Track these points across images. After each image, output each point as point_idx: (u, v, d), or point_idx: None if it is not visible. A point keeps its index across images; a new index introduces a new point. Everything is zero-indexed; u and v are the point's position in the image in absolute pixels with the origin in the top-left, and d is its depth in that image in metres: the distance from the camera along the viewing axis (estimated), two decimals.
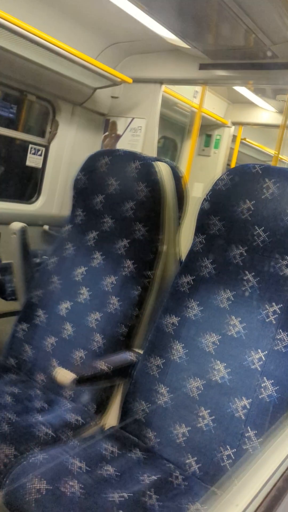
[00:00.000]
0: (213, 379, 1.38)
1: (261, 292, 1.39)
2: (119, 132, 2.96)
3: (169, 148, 3.99)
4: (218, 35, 2.39)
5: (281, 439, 0.83)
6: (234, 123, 3.88)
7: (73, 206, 1.94)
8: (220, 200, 1.51)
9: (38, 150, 2.78)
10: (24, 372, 1.78)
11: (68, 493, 1.16)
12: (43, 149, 2.81)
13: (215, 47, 2.52)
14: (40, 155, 2.80)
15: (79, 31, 2.47)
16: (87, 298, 1.76)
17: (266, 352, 1.32)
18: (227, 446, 1.30)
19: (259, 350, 1.33)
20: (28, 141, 2.74)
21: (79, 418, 1.53)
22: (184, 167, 3.33)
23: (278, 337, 1.32)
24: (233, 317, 1.41)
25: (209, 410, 1.36)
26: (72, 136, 2.89)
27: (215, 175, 3.95)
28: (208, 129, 3.86)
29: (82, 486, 1.19)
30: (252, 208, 1.43)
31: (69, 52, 2.27)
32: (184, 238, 1.86)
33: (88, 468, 1.27)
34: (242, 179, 1.47)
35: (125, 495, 1.19)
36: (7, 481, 1.22)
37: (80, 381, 1.38)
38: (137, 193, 1.73)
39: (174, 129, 3.84)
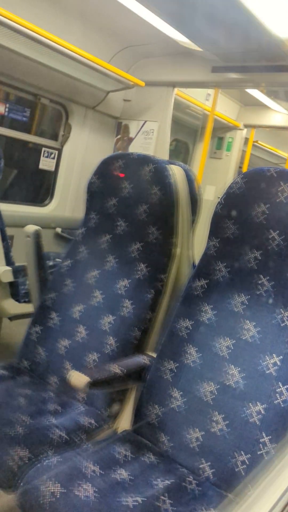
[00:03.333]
0: (227, 383, 1.37)
1: (276, 296, 1.38)
2: (132, 135, 2.97)
3: (181, 150, 3.99)
4: (230, 37, 2.38)
5: None
6: (246, 126, 3.87)
7: (86, 209, 1.95)
8: (234, 204, 1.50)
9: (51, 153, 2.80)
10: (38, 374, 1.79)
11: (82, 497, 1.16)
12: (56, 152, 2.83)
13: (227, 49, 2.52)
14: (53, 158, 2.82)
15: (92, 35, 2.49)
16: (101, 301, 1.76)
17: (282, 357, 1.30)
18: (242, 452, 1.29)
19: (274, 355, 1.32)
20: (41, 144, 2.77)
21: (92, 421, 1.53)
22: (196, 169, 3.32)
23: None
24: (248, 321, 1.40)
25: (223, 415, 1.35)
26: (85, 139, 2.91)
27: (227, 178, 3.95)
28: (220, 131, 3.86)
29: (96, 489, 1.19)
30: (267, 212, 1.42)
31: (82, 56, 2.29)
32: (197, 241, 1.86)
33: (101, 472, 1.27)
34: (256, 183, 1.46)
35: (139, 499, 1.19)
36: (21, 484, 1.22)
37: (94, 384, 1.38)
38: (150, 196, 1.73)
39: (186, 131, 3.84)
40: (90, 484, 1.20)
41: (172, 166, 1.77)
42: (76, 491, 1.17)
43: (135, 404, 1.56)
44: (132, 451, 1.39)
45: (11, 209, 2.61)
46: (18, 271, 2.18)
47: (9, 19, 1.92)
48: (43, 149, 2.76)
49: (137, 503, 1.17)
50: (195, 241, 1.87)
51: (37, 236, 2.01)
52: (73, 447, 1.39)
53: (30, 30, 2.01)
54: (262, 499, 0.64)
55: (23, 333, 1.89)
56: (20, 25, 1.96)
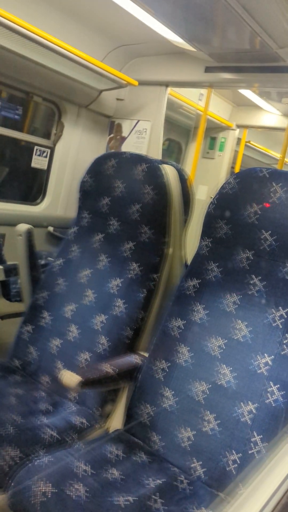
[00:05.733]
0: (218, 383, 1.38)
1: (267, 296, 1.39)
2: (124, 134, 2.96)
3: (173, 150, 3.99)
4: (224, 38, 2.39)
5: None
6: (238, 126, 3.88)
7: (79, 208, 1.94)
8: (227, 204, 1.50)
9: (44, 151, 2.78)
10: (29, 373, 1.78)
11: (74, 496, 1.16)
12: (48, 150, 2.82)
13: (221, 50, 2.52)
14: (46, 156, 2.80)
15: (86, 33, 2.47)
16: (93, 300, 1.76)
17: (273, 356, 1.31)
18: (233, 451, 1.29)
19: (266, 355, 1.33)
20: (34, 142, 2.75)
21: (84, 421, 1.53)
22: (188, 169, 3.33)
23: (285, 342, 1.31)
24: (239, 321, 1.41)
25: (215, 414, 1.35)
26: (77, 138, 2.89)
27: (220, 178, 3.95)
28: (213, 131, 3.86)
29: (88, 489, 1.19)
30: (259, 212, 1.42)
31: (75, 55, 2.27)
32: (190, 241, 1.86)
33: (93, 471, 1.26)
34: (249, 183, 1.47)
35: (130, 499, 1.19)
36: (12, 484, 1.22)
37: (86, 383, 1.38)
38: (143, 195, 1.73)
39: (179, 131, 3.85)
40: (81, 484, 1.20)
41: (165, 165, 1.77)
42: (67, 491, 1.17)
43: (127, 403, 1.56)
44: (123, 451, 1.39)
45: (2, 207, 2.59)
46: (10, 270, 2.17)
47: (1, 17, 1.90)
48: (36, 147, 2.74)
49: (128, 503, 1.17)
50: (187, 241, 1.87)
51: (29, 235, 2.00)
52: (65, 446, 1.39)
53: (23, 28, 2.00)
54: (253, 498, 0.65)
55: (15, 332, 1.88)
56: (13, 22, 1.95)
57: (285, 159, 2.94)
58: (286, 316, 1.34)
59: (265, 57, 2.43)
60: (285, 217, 1.38)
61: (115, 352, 1.64)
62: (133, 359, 1.59)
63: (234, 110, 3.84)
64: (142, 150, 2.84)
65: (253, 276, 1.42)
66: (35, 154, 2.76)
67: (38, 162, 2.78)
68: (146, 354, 1.58)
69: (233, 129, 3.85)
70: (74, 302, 1.80)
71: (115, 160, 1.83)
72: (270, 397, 1.28)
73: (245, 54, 2.48)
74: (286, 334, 1.32)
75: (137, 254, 1.74)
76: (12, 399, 1.55)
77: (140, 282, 1.71)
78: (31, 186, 2.97)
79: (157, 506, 1.19)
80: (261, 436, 1.26)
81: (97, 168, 1.88)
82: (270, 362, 1.31)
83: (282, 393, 1.26)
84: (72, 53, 2.25)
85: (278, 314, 1.35)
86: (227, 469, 1.29)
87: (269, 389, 1.28)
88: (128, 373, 1.55)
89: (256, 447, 1.26)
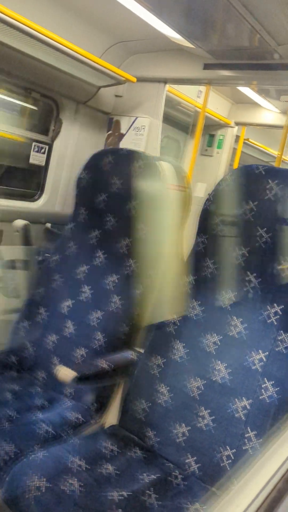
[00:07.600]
0: (213, 379, 1.38)
1: (262, 293, 1.39)
2: (123, 131, 2.96)
3: (172, 147, 3.99)
4: (223, 35, 2.38)
5: (282, 440, 0.83)
6: (237, 124, 3.87)
7: (76, 204, 1.94)
8: (223, 201, 1.50)
9: (42, 148, 2.78)
10: (25, 369, 1.78)
11: (68, 491, 1.16)
12: (47, 147, 2.81)
13: (219, 47, 2.51)
14: (44, 153, 2.80)
15: (84, 29, 2.47)
16: (89, 296, 1.76)
17: (267, 353, 1.32)
18: (227, 447, 1.30)
19: (260, 351, 1.33)
20: (32, 139, 2.74)
21: (79, 416, 1.53)
22: (186, 167, 3.33)
23: (279, 338, 1.32)
24: (235, 318, 1.41)
25: (209, 410, 1.36)
26: (76, 134, 2.89)
27: (218, 175, 3.93)
28: (211, 129, 3.86)
29: (82, 484, 1.19)
30: (255, 209, 1.43)
31: (73, 51, 2.27)
32: (186, 237, 1.86)
33: (88, 467, 1.27)
34: (245, 180, 1.47)
35: (125, 494, 1.20)
36: (7, 479, 1.22)
37: (81, 379, 1.39)
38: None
39: (177, 128, 3.84)
40: (76, 479, 1.20)
41: (162, 162, 1.77)
42: (62, 485, 1.17)
43: (122, 399, 1.56)
44: (118, 446, 1.40)
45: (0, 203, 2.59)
46: (7, 266, 2.17)
47: None
48: (34, 143, 2.74)
49: (122, 497, 1.18)
50: (184, 238, 1.87)
51: (26, 230, 2.00)
52: (60, 442, 1.40)
53: (21, 23, 1.99)
54: (244, 493, 0.65)
55: (11, 328, 1.88)
56: (11, 18, 1.94)
57: (283, 157, 2.94)
58: (281, 313, 1.34)
59: (264, 54, 2.42)
60: (280, 214, 1.38)
61: (111, 348, 1.65)
62: (128, 355, 1.59)
63: (232, 107, 3.83)
64: (140, 147, 2.83)
65: (249, 273, 1.43)
66: (33, 151, 2.75)
67: (36, 158, 2.78)
68: (142, 350, 1.58)
69: (231, 127, 3.85)
70: (70, 298, 1.80)
71: (112, 156, 1.83)
72: (264, 393, 1.28)
73: (244, 51, 2.47)
74: (281, 331, 1.32)
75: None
76: (7, 395, 1.56)
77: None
78: (29, 182, 2.97)
79: (151, 501, 1.20)
80: (255, 432, 1.27)
81: (94, 165, 1.88)
82: (264, 359, 1.31)
83: (276, 389, 1.27)
84: (70, 49, 2.24)
85: (273, 311, 1.35)
86: (221, 464, 1.30)
87: (263, 385, 1.29)
88: (124, 369, 1.55)
89: (250, 443, 1.26)
